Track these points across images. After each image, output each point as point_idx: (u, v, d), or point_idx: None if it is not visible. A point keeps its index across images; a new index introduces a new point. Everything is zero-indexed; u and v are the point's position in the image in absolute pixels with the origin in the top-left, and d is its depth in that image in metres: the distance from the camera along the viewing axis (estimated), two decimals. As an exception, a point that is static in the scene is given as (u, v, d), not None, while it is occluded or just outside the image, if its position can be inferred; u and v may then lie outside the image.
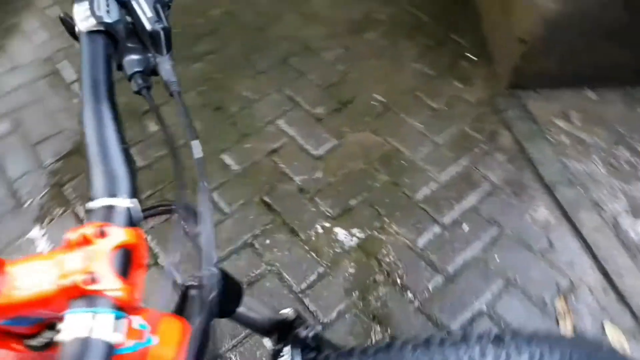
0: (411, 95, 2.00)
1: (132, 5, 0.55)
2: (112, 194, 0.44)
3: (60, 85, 2.13)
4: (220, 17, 2.39)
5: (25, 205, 1.74)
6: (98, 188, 0.45)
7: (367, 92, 2.02)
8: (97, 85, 0.50)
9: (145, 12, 0.55)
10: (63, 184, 1.79)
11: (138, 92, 0.55)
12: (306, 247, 1.58)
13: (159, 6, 0.56)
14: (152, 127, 1.93)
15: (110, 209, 0.43)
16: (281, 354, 0.73)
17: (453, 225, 1.62)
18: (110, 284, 0.39)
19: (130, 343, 0.44)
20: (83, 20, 0.54)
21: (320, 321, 1.40)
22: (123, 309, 0.39)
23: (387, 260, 1.53)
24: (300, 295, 1.48)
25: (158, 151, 1.84)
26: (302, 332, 0.74)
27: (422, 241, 1.58)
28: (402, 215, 1.64)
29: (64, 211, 1.71)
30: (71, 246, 0.41)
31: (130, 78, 0.56)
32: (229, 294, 0.66)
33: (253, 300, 0.72)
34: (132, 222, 0.44)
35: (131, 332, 0.42)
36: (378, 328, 1.40)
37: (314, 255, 1.56)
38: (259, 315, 0.72)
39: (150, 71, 0.57)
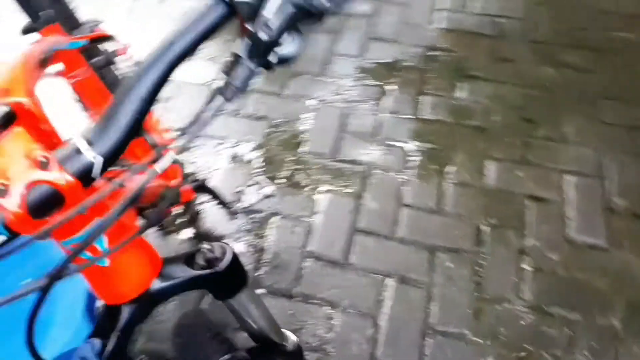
0: None
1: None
2: (90, 142, 0.41)
3: None
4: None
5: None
6: (87, 128, 0.42)
7: None
8: (177, 44, 0.44)
9: (267, 16, 0.45)
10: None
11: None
12: None
13: (287, 18, 0.46)
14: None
15: (75, 150, 0.41)
16: None
17: None
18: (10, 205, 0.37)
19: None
20: None
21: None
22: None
23: None
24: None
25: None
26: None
27: None
28: None
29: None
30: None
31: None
32: (233, 275, 0.62)
33: (262, 305, 0.70)
34: (84, 176, 0.40)
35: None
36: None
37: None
38: (255, 318, 0.70)
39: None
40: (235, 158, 1.76)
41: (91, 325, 0.82)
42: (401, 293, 1.47)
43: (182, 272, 0.57)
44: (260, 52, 0.45)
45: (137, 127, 0.43)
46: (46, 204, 0.38)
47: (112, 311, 0.53)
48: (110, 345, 0.53)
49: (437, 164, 1.72)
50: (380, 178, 1.70)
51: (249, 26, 0.45)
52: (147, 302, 0.54)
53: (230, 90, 0.46)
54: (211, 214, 1.62)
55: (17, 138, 0.42)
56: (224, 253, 0.59)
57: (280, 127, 1.83)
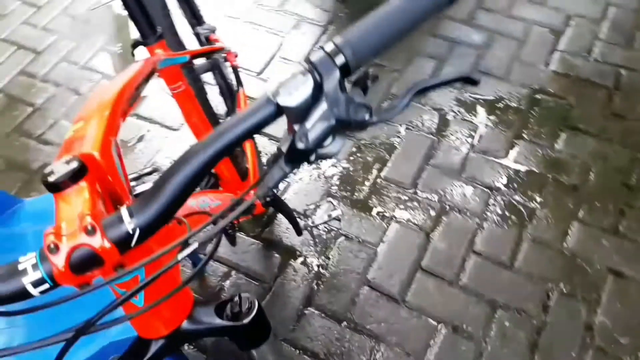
0: None
1: (315, 105, 0.46)
2: (132, 214, 0.46)
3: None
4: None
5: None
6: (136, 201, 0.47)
7: None
8: (226, 135, 0.47)
9: (308, 126, 0.46)
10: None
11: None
12: None
13: (327, 130, 0.47)
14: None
15: (118, 219, 0.45)
16: None
17: None
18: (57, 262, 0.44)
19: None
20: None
21: None
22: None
23: None
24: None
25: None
26: None
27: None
28: None
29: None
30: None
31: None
32: (256, 329, 0.66)
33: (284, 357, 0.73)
34: (122, 244, 0.45)
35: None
36: None
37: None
38: None
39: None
40: (314, 172, 1.81)
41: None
42: (451, 342, 1.44)
43: (210, 319, 0.61)
44: (297, 157, 0.47)
45: (177, 207, 0.47)
46: (86, 263, 0.44)
47: (143, 343, 0.59)
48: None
49: (518, 215, 1.65)
50: (456, 218, 1.66)
51: (295, 127, 0.47)
52: (175, 340, 0.60)
53: (261, 188, 0.49)
54: (280, 224, 1.68)
55: (79, 194, 0.47)
56: (250, 308, 0.62)
57: (366, 148, 1.85)
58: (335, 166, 1.81)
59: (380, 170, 1.79)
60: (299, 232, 1.58)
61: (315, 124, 0.46)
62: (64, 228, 0.44)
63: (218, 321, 0.61)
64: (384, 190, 1.74)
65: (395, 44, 0.50)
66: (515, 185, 1.71)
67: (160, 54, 1.05)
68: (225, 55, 1.60)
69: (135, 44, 1.06)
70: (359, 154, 1.83)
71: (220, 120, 1.84)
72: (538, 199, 1.68)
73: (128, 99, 0.83)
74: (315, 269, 1.59)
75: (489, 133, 1.84)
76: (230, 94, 1.65)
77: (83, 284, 0.45)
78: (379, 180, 1.77)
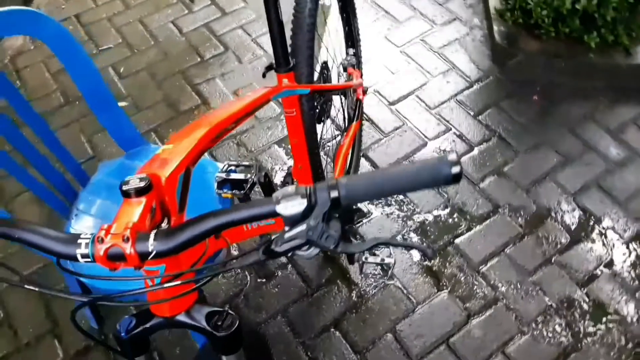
0: None
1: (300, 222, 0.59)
2: (157, 238, 0.62)
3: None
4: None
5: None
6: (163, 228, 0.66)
7: None
8: (231, 214, 0.63)
9: (285, 236, 0.60)
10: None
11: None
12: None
13: (296, 245, 0.60)
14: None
15: (145, 238, 0.62)
16: None
17: None
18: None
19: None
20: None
21: None
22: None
23: None
24: None
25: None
26: None
27: None
28: None
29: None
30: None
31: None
32: (229, 341, 0.81)
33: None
34: (142, 255, 0.61)
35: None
36: None
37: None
38: None
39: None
40: (396, 212, 1.91)
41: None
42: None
43: (199, 319, 0.78)
44: (273, 254, 0.62)
45: (185, 248, 0.63)
46: (116, 258, 0.63)
47: (149, 314, 0.78)
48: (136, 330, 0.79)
49: (567, 339, 1.62)
50: (503, 314, 1.68)
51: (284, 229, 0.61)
52: (170, 323, 0.78)
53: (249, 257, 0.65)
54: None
55: (137, 206, 0.66)
56: (230, 325, 0.78)
57: (454, 212, 1.90)
58: (418, 217, 1.89)
59: (457, 237, 1.84)
60: (350, 261, 1.71)
61: (292, 236, 0.60)
62: (114, 227, 0.63)
63: (203, 324, 0.78)
64: (450, 258, 1.79)
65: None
66: (579, 310, 1.67)
67: (285, 85, 1.23)
68: (354, 88, 1.75)
69: (268, 67, 1.25)
70: (446, 213, 1.89)
71: (329, 144, 2.00)
72: (593, 331, 1.63)
73: (234, 122, 1.01)
74: (355, 298, 1.72)
75: (580, 247, 1.80)
76: (344, 121, 1.80)
77: (112, 268, 0.64)
78: (450, 247, 1.82)
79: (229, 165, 1.36)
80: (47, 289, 0.68)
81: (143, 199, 0.67)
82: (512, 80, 2.26)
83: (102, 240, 0.62)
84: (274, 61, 1.23)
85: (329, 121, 1.79)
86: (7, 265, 0.72)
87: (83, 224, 1.36)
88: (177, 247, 0.63)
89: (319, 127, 1.72)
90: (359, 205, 1.92)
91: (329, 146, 2.04)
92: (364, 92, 1.79)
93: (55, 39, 1.27)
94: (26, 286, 0.67)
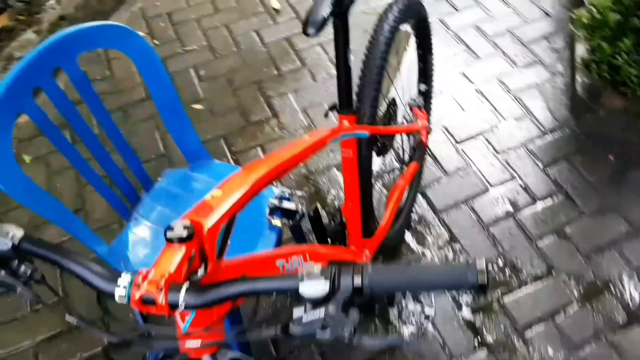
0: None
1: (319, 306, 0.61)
2: (189, 290, 0.65)
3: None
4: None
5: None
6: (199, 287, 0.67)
7: None
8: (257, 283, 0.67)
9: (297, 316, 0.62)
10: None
11: None
12: None
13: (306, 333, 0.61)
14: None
15: (177, 290, 0.65)
16: None
17: None
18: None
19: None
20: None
21: None
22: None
23: None
24: None
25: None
26: None
27: None
28: None
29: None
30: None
31: None
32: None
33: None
34: (172, 306, 0.64)
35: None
36: None
37: None
38: None
39: None
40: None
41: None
42: None
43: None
44: (289, 335, 0.63)
45: (214, 305, 0.67)
46: (149, 303, 0.66)
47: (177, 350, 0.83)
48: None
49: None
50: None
51: (299, 309, 0.63)
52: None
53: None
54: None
55: (176, 254, 0.70)
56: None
57: (513, 272, 1.85)
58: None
59: (505, 294, 1.77)
60: (391, 303, 1.70)
61: (308, 320, 0.61)
62: (151, 273, 0.67)
63: None
64: (494, 315, 1.72)
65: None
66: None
67: (345, 127, 1.24)
68: (417, 131, 1.74)
69: (331, 107, 1.27)
70: (497, 267, 1.83)
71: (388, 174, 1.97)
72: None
73: (289, 167, 1.04)
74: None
75: (637, 330, 1.69)
76: (404, 158, 1.78)
77: (144, 311, 0.68)
78: (496, 303, 1.75)
79: (283, 192, 1.39)
80: (86, 323, 0.73)
81: (183, 247, 0.71)
82: (588, 136, 2.15)
83: (138, 287, 0.66)
84: (337, 101, 1.25)
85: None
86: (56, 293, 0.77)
87: (141, 229, 1.44)
88: (205, 304, 0.66)
89: (379, 159, 1.74)
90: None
91: (387, 178, 2.03)
92: (428, 134, 1.78)
93: (140, 54, 1.35)
94: (66, 319, 0.72)
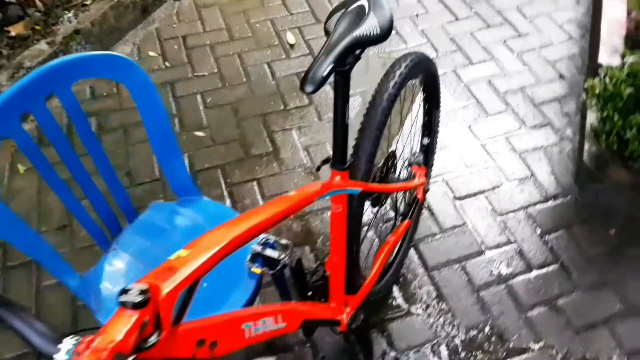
0: None
1: None
2: None
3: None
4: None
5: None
6: None
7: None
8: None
9: None
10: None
11: None
12: None
13: None
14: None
15: None
16: None
17: None
18: None
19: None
20: None
21: None
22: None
23: None
24: None
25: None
26: None
27: None
28: None
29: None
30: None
31: None
32: None
33: None
34: None
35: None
36: None
37: None
38: None
39: None
40: (433, 316, 1.82)
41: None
42: None
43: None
44: None
45: None
46: None
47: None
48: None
49: None
50: None
51: None
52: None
53: None
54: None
55: (127, 321, 0.66)
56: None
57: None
58: (452, 330, 1.79)
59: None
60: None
61: None
62: (96, 341, 0.63)
63: None
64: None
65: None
66: None
67: (336, 183, 1.21)
68: (414, 189, 1.70)
69: (324, 161, 1.23)
70: (482, 335, 1.78)
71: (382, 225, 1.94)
72: None
73: (273, 224, 1.00)
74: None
75: None
76: (397, 212, 1.74)
77: None
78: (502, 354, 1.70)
79: (268, 239, 1.35)
80: None
81: (136, 314, 0.67)
82: (591, 207, 2.10)
83: (79, 354, 0.62)
84: (331, 155, 1.22)
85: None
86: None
87: (119, 260, 1.41)
88: None
89: (373, 210, 1.69)
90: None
91: (380, 227, 1.99)
92: (424, 193, 1.74)
93: (138, 87, 1.33)
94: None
